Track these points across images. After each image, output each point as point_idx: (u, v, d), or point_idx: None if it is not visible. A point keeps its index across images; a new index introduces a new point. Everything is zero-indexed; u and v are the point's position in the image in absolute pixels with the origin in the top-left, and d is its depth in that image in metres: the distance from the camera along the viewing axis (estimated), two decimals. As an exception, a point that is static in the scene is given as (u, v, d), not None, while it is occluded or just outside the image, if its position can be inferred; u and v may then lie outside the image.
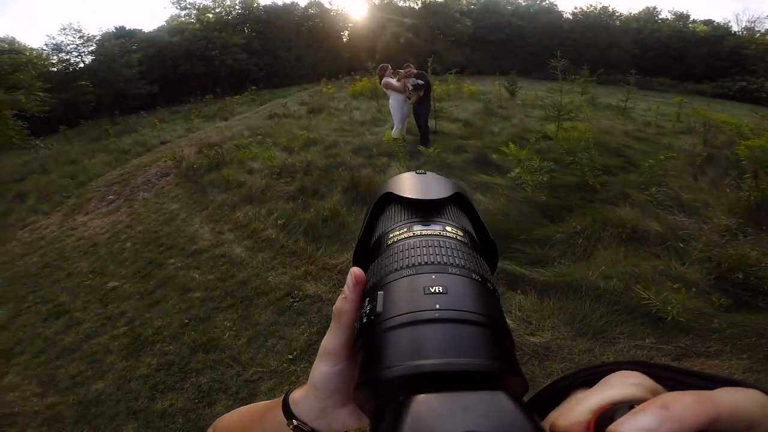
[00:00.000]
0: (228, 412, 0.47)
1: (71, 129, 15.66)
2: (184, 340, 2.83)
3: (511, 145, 4.42)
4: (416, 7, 27.88)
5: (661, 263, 2.96)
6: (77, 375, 2.70)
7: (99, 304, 3.49)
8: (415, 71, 5.84)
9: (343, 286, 0.30)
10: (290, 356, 2.55)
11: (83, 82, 19.94)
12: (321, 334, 2.66)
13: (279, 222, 4.12)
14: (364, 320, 0.24)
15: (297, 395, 0.34)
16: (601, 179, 4.50)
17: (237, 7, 28.28)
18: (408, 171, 0.40)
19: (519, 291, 2.83)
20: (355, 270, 0.29)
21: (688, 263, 2.96)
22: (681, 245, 3.18)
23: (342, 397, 0.31)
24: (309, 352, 2.57)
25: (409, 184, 0.35)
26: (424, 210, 0.32)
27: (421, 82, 5.75)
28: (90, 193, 6.87)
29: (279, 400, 0.37)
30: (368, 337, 0.23)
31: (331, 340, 0.30)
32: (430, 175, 0.37)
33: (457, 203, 0.35)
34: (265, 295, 3.19)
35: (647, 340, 2.35)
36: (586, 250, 3.26)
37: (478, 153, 5.30)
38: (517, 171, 4.25)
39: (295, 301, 3.05)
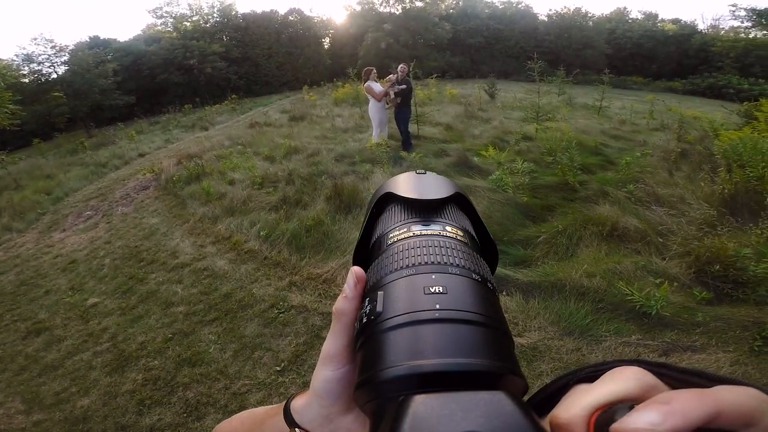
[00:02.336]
0: (218, 424, 0.45)
1: (45, 142, 15.23)
2: (169, 355, 2.77)
3: (490, 149, 4.47)
4: (396, 13, 28.10)
5: (642, 259, 3.02)
6: (62, 392, 2.64)
7: (80, 321, 3.41)
8: (403, 74, 5.86)
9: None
10: (278, 368, 2.51)
11: (56, 93, 19.30)
12: (308, 344, 2.64)
13: (261, 233, 4.06)
14: (364, 320, 0.24)
15: (299, 403, 0.33)
16: (581, 178, 4.58)
17: (215, 15, 28.02)
18: (407, 172, 0.40)
19: (504, 292, 2.85)
20: (356, 269, 0.28)
21: (668, 258, 3.02)
22: (660, 240, 3.25)
23: (346, 402, 0.29)
24: (296, 363, 2.53)
25: (408, 184, 0.35)
26: (423, 210, 0.32)
27: (404, 86, 5.78)
28: (67, 209, 6.67)
29: (280, 406, 0.36)
30: (368, 337, 0.23)
31: (333, 343, 0.28)
32: (430, 175, 0.37)
33: (457, 203, 0.35)
34: (249, 307, 3.13)
35: (633, 336, 2.38)
36: (569, 249, 3.31)
37: (459, 156, 5.34)
38: (498, 173, 4.29)
39: (280, 313, 3.00)
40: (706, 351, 2.24)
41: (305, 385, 2.25)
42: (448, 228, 0.30)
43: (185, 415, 2.29)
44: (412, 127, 6.44)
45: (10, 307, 3.88)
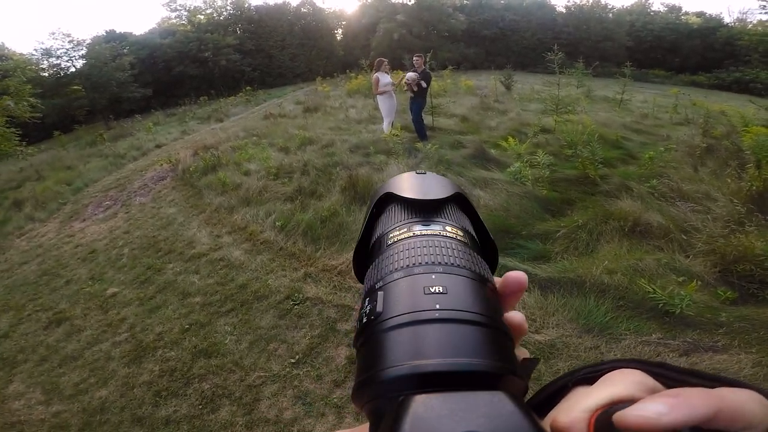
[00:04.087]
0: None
1: (66, 134, 15.59)
2: (186, 346, 2.79)
3: (510, 139, 4.39)
4: (409, 3, 27.75)
5: (664, 256, 2.92)
6: (81, 382, 2.68)
7: (99, 311, 3.45)
8: (420, 65, 5.76)
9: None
10: (292, 360, 2.51)
11: (75, 87, 19.72)
12: (322, 337, 2.64)
13: (277, 224, 4.07)
14: (364, 320, 0.24)
15: None
16: (602, 172, 4.46)
17: (228, 7, 28.11)
18: (407, 169, 0.38)
19: (522, 288, 2.79)
20: None
21: (692, 256, 2.92)
22: (684, 237, 3.15)
23: None
24: (311, 356, 2.53)
25: (409, 184, 0.35)
26: (424, 210, 0.32)
27: (424, 84, 5.69)
28: (86, 199, 6.80)
29: None
30: (368, 337, 0.23)
31: None
32: (430, 175, 0.37)
33: (457, 203, 0.35)
34: (265, 298, 3.14)
35: (654, 335, 2.31)
36: (589, 244, 3.23)
37: (476, 148, 5.26)
38: (518, 165, 4.21)
39: (295, 304, 3.01)
40: (728, 352, 2.16)
41: (319, 379, 2.18)
42: (449, 228, 0.30)
43: (201, 407, 2.30)
44: (427, 119, 6.35)
45: (33, 297, 3.96)
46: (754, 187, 3.44)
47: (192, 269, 3.75)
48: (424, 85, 5.69)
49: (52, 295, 3.92)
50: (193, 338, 2.85)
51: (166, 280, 3.67)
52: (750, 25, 26.47)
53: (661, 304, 2.42)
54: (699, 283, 2.55)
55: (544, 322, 2.51)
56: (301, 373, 2.41)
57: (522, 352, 0.26)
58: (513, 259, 3.08)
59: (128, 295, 3.58)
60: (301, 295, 3.08)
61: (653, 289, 2.49)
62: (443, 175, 0.38)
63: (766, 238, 2.83)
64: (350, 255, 3.37)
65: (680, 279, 2.65)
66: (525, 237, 3.37)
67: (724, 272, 2.70)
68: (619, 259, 2.92)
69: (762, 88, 17.60)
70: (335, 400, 2.20)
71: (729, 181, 3.76)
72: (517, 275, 0.27)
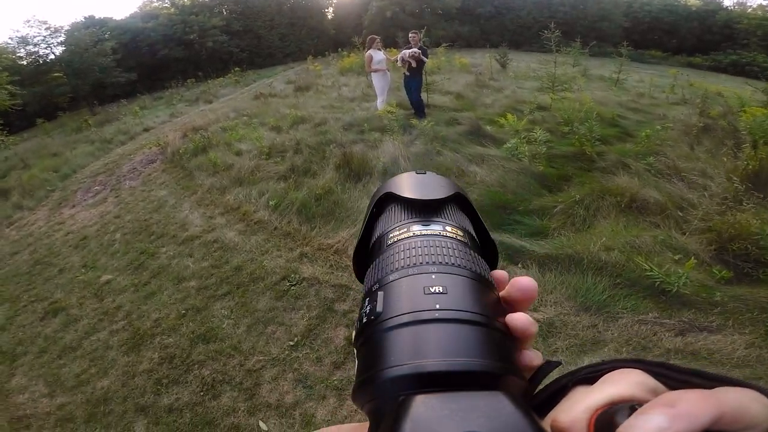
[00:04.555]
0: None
1: (50, 122, 15.17)
2: (183, 332, 2.76)
3: (509, 116, 4.32)
4: (402, -20, 26.96)
5: (661, 233, 2.91)
6: (81, 373, 2.65)
7: (94, 299, 3.41)
8: (415, 42, 5.61)
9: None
10: (291, 342, 2.49)
11: (56, 74, 19.13)
12: (320, 318, 2.62)
13: (271, 203, 4.00)
14: (364, 320, 0.24)
15: None
16: (599, 149, 4.43)
17: (213, -12, 27.11)
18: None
19: (520, 264, 2.78)
20: None
21: (689, 233, 2.92)
22: (680, 214, 3.14)
23: None
24: (309, 338, 2.51)
25: (408, 184, 0.35)
26: (423, 210, 0.32)
27: (425, 59, 5.55)
28: (75, 185, 6.67)
29: None
30: (368, 337, 0.23)
31: None
32: (430, 175, 0.37)
33: (457, 203, 0.35)
34: (261, 280, 3.11)
35: (650, 314, 2.31)
36: (586, 220, 3.21)
37: (471, 125, 5.18)
38: (514, 141, 4.15)
39: (292, 285, 2.98)
40: (722, 332, 2.17)
41: (318, 361, 2.16)
42: (448, 228, 0.30)
43: (202, 393, 2.29)
44: (423, 96, 6.23)
45: (27, 287, 3.90)
46: (750, 167, 3.43)
47: (186, 252, 3.70)
48: (425, 59, 5.53)
49: (46, 284, 3.87)
50: (191, 323, 2.83)
51: (160, 265, 3.61)
52: (750, 9, 26.41)
53: (657, 282, 2.42)
54: (695, 261, 2.55)
55: (542, 300, 2.51)
56: (301, 355, 2.40)
57: (536, 355, 0.25)
58: (511, 235, 3.06)
59: (122, 282, 3.54)
60: (297, 276, 3.05)
61: (650, 267, 2.48)
62: (443, 175, 0.38)
63: (762, 216, 2.83)
64: (346, 233, 3.35)
65: (677, 257, 2.64)
66: (522, 213, 3.35)
67: (719, 250, 2.69)
68: (616, 235, 2.90)
69: (759, 71, 17.55)
70: (335, 382, 2.19)
71: (725, 159, 3.75)
72: (526, 284, 0.26)
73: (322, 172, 4.40)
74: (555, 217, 3.27)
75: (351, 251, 3.15)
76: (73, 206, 5.73)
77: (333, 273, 3.02)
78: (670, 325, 2.25)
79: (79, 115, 16.49)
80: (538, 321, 2.33)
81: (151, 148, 7.06)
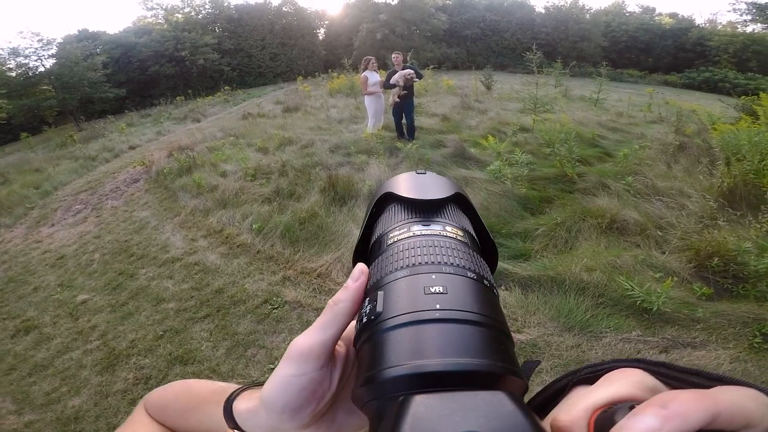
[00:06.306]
0: (150, 392, 0.39)
1: (34, 136, 14.94)
2: (160, 353, 2.70)
3: (490, 138, 4.40)
4: (392, 3, 27.75)
5: (641, 253, 2.96)
6: (52, 392, 2.57)
7: (69, 319, 3.32)
8: (398, 63, 5.64)
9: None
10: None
11: (45, 87, 18.93)
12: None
13: (254, 226, 3.97)
14: (364, 320, 0.24)
15: (242, 406, 0.29)
16: (579, 170, 4.52)
17: (207, 6, 27.51)
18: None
19: (503, 287, 2.79)
20: (360, 265, 0.28)
21: (668, 252, 2.97)
22: (660, 233, 3.20)
23: (304, 418, 0.26)
24: (290, 362, 2.46)
25: (408, 184, 0.35)
26: (424, 210, 0.32)
27: (417, 79, 5.52)
28: (55, 203, 6.50)
29: (222, 392, 0.32)
30: (368, 337, 0.23)
31: (313, 336, 0.25)
32: (430, 175, 0.37)
33: (457, 203, 0.35)
34: (242, 303, 3.05)
35: (633, 332, 2.33)
36: (568, 242, 3.25)
37: (456, 147, 5.25)
38: (497, 164, 4.22)
39: (273, 308, 2.93)
40: (706, 348, 2.19)
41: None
42: (449, 228, 0.30)
43: (178, 415, 2.22)
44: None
45: (-2, 304, 3.77)
46: (725, 184, 3.53)
47: (166, 274, 3.62)
48: (417, 79, 5.53)
49: (19, 302, 3.74)
50: (168, 345, 2.76)
51: (139, 286, 3.53)
52: (720, 26, 27.60)
53: (639, 301, 2.45)
54: (675, 279, 2.59)
55: (525, 321, 2.51)
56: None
57: None
58: (494, 258, 3.07)
59: (99, 302, 3.44)
60: (279, 299, 3.00)
61: (631, 286, 2.51)
62: (443, 175, 0.37)
63: (738, 233, 2.90)
64: (330, 257, 3.32)
65: (657, 275, 2.68)
66: (505, 235, 3.37)
67: (699, 268, 2.75)
68: (598, 256, 2.94)
69: (730, 88, 18.33)
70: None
71: (701, 177, 3.86)
72: None
73: (307, 195, 4.39)
74: (537, 239, 3.30)
75: (335, 275, 3.14)
76: (52, 225, 5.59)
77: (316, 297, 2.98)
78: (654, 343, 2.26)
79: (65, 130, 16.31)
80: (521, 342, 2.34)
81: (135, 166, 6.99)
